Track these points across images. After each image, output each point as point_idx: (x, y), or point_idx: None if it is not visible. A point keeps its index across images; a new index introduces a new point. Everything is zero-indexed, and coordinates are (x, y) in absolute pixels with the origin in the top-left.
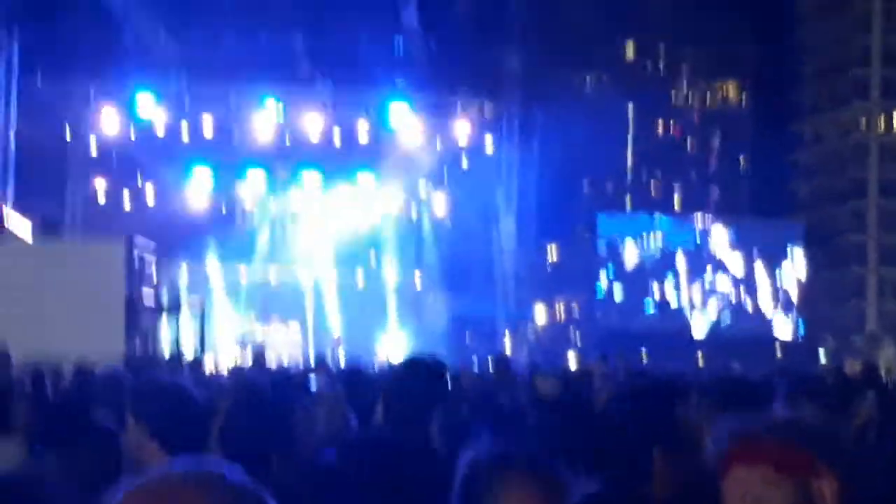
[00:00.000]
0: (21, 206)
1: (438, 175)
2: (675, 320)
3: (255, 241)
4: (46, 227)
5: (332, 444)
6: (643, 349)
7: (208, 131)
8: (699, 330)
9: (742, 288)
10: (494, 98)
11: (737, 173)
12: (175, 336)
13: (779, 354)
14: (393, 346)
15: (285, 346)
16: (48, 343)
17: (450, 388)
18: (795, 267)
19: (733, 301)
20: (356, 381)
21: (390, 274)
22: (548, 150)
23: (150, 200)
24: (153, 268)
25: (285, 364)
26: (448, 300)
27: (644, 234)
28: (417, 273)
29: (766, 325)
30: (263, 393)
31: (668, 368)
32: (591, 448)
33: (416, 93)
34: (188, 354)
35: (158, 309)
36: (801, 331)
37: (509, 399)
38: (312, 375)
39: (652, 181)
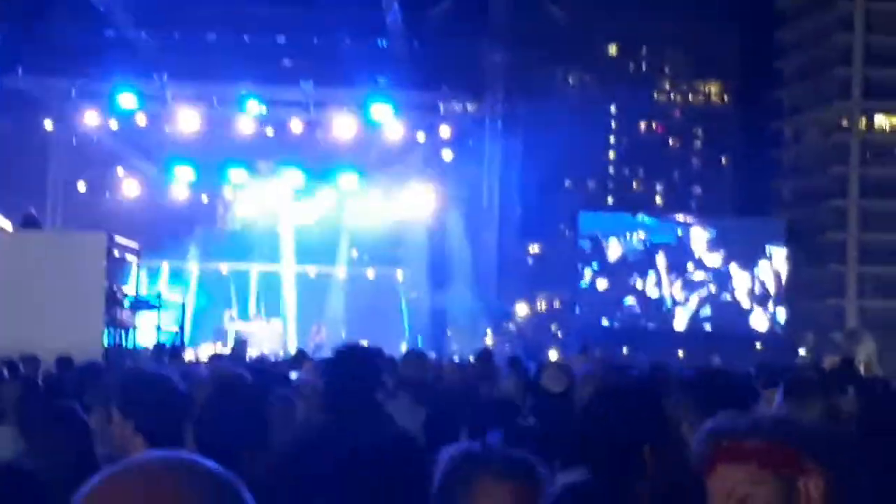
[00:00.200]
0: (2, 201)
1: (420, 172)
2: (657, 316)
3: (236, 237)
4: (27, 223)
5: (309, 435)
6: (624, 344)
7: (190, 129)
8: (680, 325)
9: (723, 284)
10: (477, 96)
11: (719, 171)
12: (156, 330)
13: (759, 349)
14: (374, 340)
15: (267, 341)
16: (26, 332)
17: (436, 378)
18: (776, 264)
19: (714, 297)
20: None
21: (371, 269)
22: (530, 147)
23: (132, 197)
24: (134, 264)
25: (266, 357)
26: (429, 296)
27: (626, 232)
28: (399, 269)
29: (747, 320)
30: (241, 383)
31: (648, 362)
32: (577, 442)
33: (398, 91)
34: (169, 348)
35: (139, 303)
36: (782, 326)
37: (492, 392)
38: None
39: (634, 179)
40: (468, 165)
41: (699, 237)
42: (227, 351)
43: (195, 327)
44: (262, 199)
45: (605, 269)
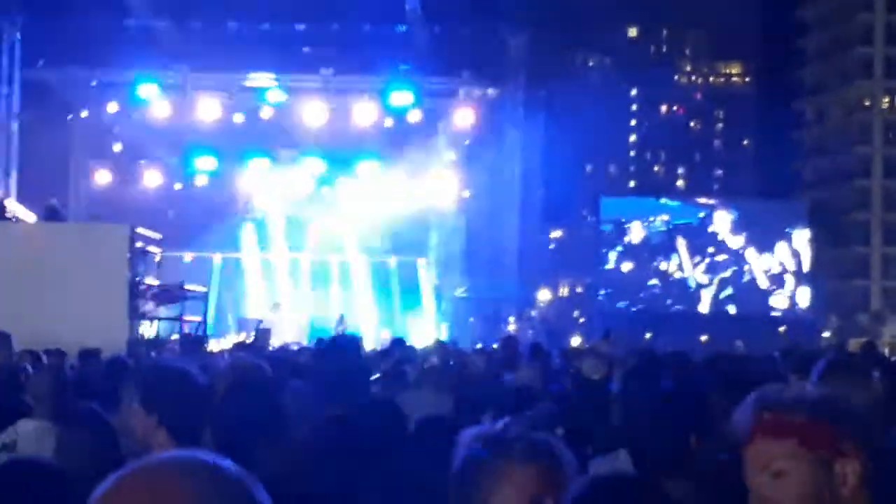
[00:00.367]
0: (25, 194)
1: (442, 159)
2: (680, 298)
3: (258, 227)
4: (50, 215)
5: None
6: (647, 328)
7: (210, 119)
8: (704, 308)
9: (746, 267)
10: (498, 81)
11: (741, 153)
12: (178, 323)
13: (782, 332)
14: (397, 329)
15: (291, 331)
16: (50, 324)
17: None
18: (799, 246)
19: (737, 279)
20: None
21: (394, 258)
22: (552, 132)
23: (154, 188)
24: (157, 256)
25: (289, 347)
26: (452, 283)
27: (648, 216)
28: (421, 257)
29: (770, 303)
30: (259, 375)
31: (673, 346)
32: (618, 429)
33: (419, 77)
34: (192, 339)
35: (162, 295)
36: (805, 309)
37: (514, 379)
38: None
39: (656, 163)
40: (489, 151)
41: (722, 220)
42: (249, 341)
43: (219, 318)
44: (285, 188)
45: (628, 252)
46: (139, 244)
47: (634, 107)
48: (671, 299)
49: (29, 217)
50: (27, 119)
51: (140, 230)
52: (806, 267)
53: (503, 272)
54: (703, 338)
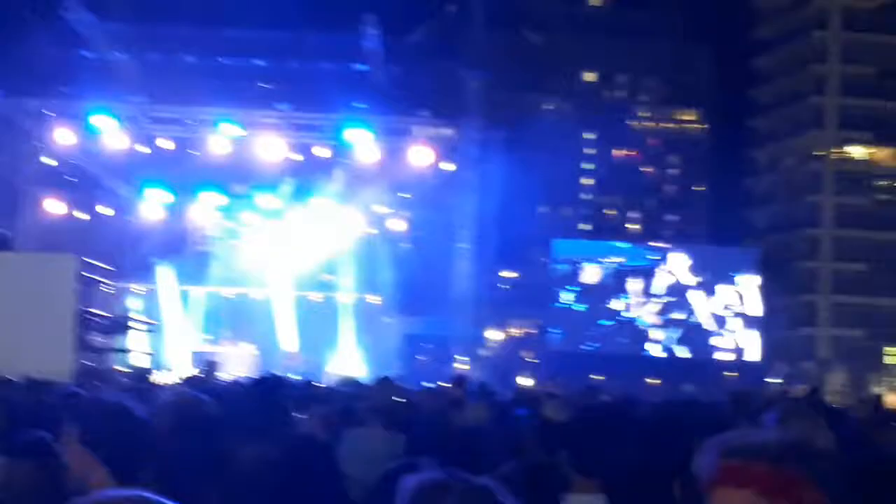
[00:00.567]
0: None
1: (396, 197)
2: (629, 343)
3: (208, 261)
4: None
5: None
6: (596, 370)
7: (164, 152)
8: (653, 352)
9: (697, 312)
10: (454, 122)
11: (694, 199)
12: (125, 354)
13: (730, 377)
14: (346, 365)
15: (238, 364)
16: None
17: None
18: (749, 292)
19: (688, 324)
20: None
21: (345, 294)
22: (506, 174)
23: (105, 220)
24: (105, 286)
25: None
26: (402, 320)
27: (600, 259)
28: (372, 294)
29: (719, 348)
30: (200, 411)
31: (621, 389)
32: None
33: (375, 116)
34: (139, 372)
35: (110, 326)
36: (754, 355)
37: (462, 418)
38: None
39: (610, 207)
40: (443, 191)
41: (674, 263)
42: (197, 374)
43: (168, 350)
44: (235, 223)
45: (581, 292)
46: (88, 275)
47: (589, 150)
48: (622, 339)
49: None
50: None
51: (89, 261)
52: (755, 314)
53: (454, 311)
54: (653, 381)
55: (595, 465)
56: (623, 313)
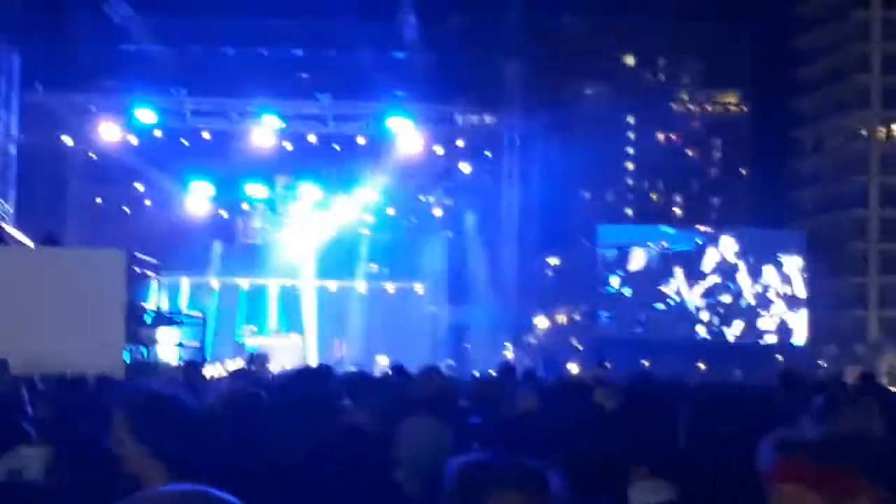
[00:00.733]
0: (22, 217)
1: (439, 186)
2: (677, 328)
3: (255, 252)
4: (47, 240)
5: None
6: (645, 355)
7: (207, 144)
8: (700, 338)
9: (743, 296)
10: (495, 109)
11: (738, 182)
12: (175, 347)
13: (780, 360)
14: (394, 355)
15: (287, 356)
16: (48, 350)
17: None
18: (796, 275)
19: (735, 308)
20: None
21: (391, 284)
22: (548, 160)
23: (150, 213)
24: (154, 280)
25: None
26: (448, 309)
27: (645, 244)
28: (419, 283)
29: (768, 331)
30: (257, 403)
31: (669, 375)
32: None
33: (416, 105)
34: (189, 365)
35: (159, 319)
36: (802, 338)
37: (511, 406)
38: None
39: (653, 191)
40: (486, 177)
41: (721, 246)
42: (247, 366)
43: (216, 343)
44: (281, 213)
45: (627, 277)
46: (136, 269)
47: (631, 134)
48: (670, 324)
49: (26, 242)
50: (24, 143)
51: (137, 255)
52: (804, 296)
53: (500, 299)
54: (702, 365)
55: (647, 452)
56: (671, 298)
